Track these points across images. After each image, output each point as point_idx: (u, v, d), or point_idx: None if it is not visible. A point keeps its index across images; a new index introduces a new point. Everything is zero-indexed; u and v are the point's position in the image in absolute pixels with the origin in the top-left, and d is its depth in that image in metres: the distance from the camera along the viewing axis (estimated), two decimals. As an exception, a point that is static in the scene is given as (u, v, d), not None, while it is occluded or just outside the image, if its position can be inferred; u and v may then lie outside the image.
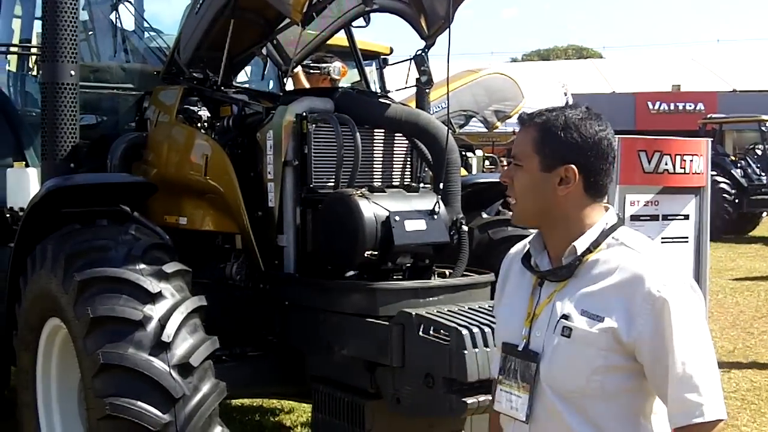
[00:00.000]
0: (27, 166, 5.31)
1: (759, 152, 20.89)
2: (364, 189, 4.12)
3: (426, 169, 4.60)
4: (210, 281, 4.65)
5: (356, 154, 4.24)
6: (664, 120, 30.00)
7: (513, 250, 2.53)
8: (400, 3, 4.71)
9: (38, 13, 5.58)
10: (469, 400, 3.50)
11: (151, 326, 3.65)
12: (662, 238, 4.32)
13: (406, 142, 4.57)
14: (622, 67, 39.69)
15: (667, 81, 34.21)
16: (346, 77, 6.60)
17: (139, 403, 3.54)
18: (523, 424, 2.27)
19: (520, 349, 2.29)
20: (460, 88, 12.84)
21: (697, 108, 30.29)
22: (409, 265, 4.16)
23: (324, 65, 6.17)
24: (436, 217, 4.13)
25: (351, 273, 4.13)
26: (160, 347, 3.62)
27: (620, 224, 2.31)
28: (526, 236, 2.52)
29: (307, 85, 6.14)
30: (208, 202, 4.66)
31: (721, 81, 33.55)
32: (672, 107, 31.70)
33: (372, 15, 5.00)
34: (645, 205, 4.31)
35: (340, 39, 5.58)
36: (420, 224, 4.08)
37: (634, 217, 4.24)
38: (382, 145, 4.52)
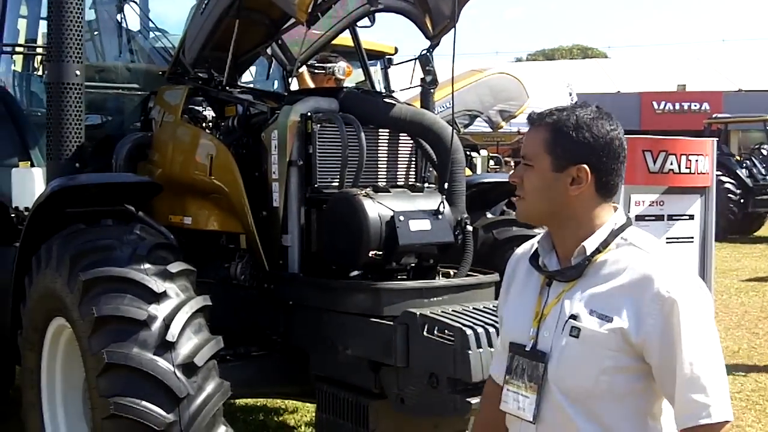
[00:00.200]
0: (32, 165, 5.32)
1: (764, 152, 20.84)
2: (368, 189, 4.12)
3: (430, 168, 4.60)
4: (214, 281, 4.66)
5: (361, 153, 4.24)
6: (669, 120, 29.96)
7: (519, 250, 2.53)
8: (404, 3, 4.71)
9: (44, 13, 5.59)
10: (474, 400, 3.50)
11: (156, 326, 3.66)
12: (667, 238, 4.32)
13: (411, 141, 4.57)
14: (627, 66, 39.65)
15: (672, 81, 34.16)
16: (351, 77, 6.61)
17: (144, 403, 3.54)
18: (530, 424, 2.27)
19: (527, 349, 2.29)
20: (465, 87, 12.85)
21: (703, 108, 30.25)
22: (413, 265, 4.16)
23: (329, 65, 6.18)
24: (440, 217, 4.13)
25: (355, 273, 4.13)
26: (165, 347, 3.63)
27: (629, 224, 2.30)
28: (531, 236, 2.52)
29: (311, 85, 6.15)
30: (213, 201, 4.67)
31: (727, 81, 33.50)
32: (677, 107, 31.66)
33: (377, 15, 5.00)
34: (650, 205, 4.31)
35: (344, 39, 5.59)
36: (424, 224, 4.08)
37: (639, 217, 4.24)
38: (386, 144, 4.52)
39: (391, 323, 3.79)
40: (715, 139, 4.84)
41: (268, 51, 5.50)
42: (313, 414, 4.84)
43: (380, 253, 3.96)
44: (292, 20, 4.87)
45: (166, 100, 5.07)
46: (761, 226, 21.06)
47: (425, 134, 4.38)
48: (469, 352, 3.45)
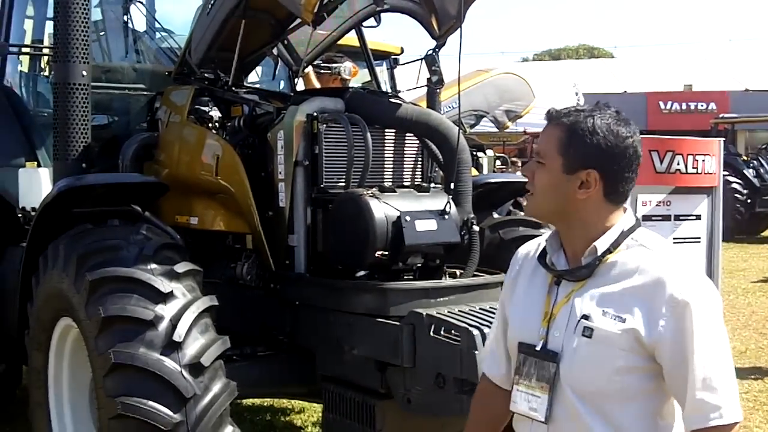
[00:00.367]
0: (39, 166, 5.33)
1: (771, 152, 20.81)
2: (374, 189, 4.12)
3: (437, 169, 4.60)
4: (221, 281, 4.67)
5: (367, 154, 4.23)
6: (675, 120, 29.91)
7: (522, 249, 2.52)
8: (411, 3, 4.71)
9: (50, 13, 5.61)
10: (480, 401, 3.49)
11: (163, 326, 3.66)
12: (674, 239, 4.31)
13: (417, 142, 4.56)
14: (634, 66, 39.57)
15: (678, 80, 34.08)
16: (357, 77, 6.61)
17: (151, 403, 3.54)
18: (541, 424, 2.26)
19: (538, 349, 2.27)
20: (471, 87, 12.83)
21: (709, 107, 30.18)
22: (419, 265, 4.15)
23: (335, 65, 6.18)
24: (446, 217, 4.13)
25: (362, 273, 4.13)
26: (172, 347, 3.63)
27: (638, 226, 2.30)
28: (537, 236, 2.51)
29: (317, 85, 6.14)
30: (219, 202, 4.67)
31: (733, 80, 33.41)
32: (684, 107, 31.59)
33: (383, 15, 5.00)
34: (657, 205, 4.30)
35: (350, 39, 5.59)
36: (431, 224, 4.07)
37: (646, 217, 4.23)
38: (392, 145, 4.52)
39: (398, 323, 3.78)
40: (722, 139, 4.83)
41: (274, 51, 5.50)
42: (320, 414, 4.84)
43: (386, 253, 3.96)
44: (298, 20, 4.88)
45: (172, 101, 5.08)
46: (768, 226, 21.02)
47: (431, 134, 4.38)
48: (476, 352, 3.44)
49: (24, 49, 6.07)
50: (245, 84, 5.52)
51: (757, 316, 10.48)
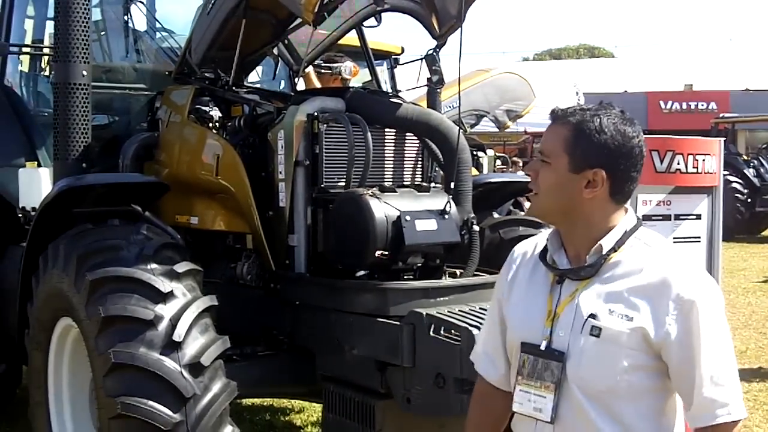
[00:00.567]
0: (39, 166, 5.33)
1: (772, 152, 20.81)
2: (375, 189, 4.12)
3: (437, 168, 4.60)
4: (221, 281, 4.67)
5: (367, 153, 4.23)
6: (676, 119, 29.91)
7: (519, 249, 2.51)
8: (411, 2, 4.71)
9: (51, 13, 5.61)
10: (480, 401, 3.49)
11: (163, 326, 3.66)
12: (674, 238, 4.30)
13: (417, 141, 4.56)
14: (634, 66, 39.56)
15: (679, 80, 34.09)
16: (358, 77, 6.61)
17: (150, 403, 3.54)
18: (547, 424, 2.25)
19: (542, 348, 2.27)
20: (472, 87, 12.84)
21: (710, 107, 30.20)
22: (419, 264, 4.16)
23: (335, 65, 6.18)
24: (447, 216, 4.13)
25: (362, 273, 4.13)
26: (171, 347, 3.63)
27: (639, 225, 2.31)
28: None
29: (318, 85, 6.14)
30: (219, 201, 4.67)
31: (734, 80, 33.39)
32: (684, 106, 31.61)
33: (383, 15, 5.00)
34: (657, 204, 4.28)
35: (351, 39, 5.59)
36: (431, 224, 4.07)
37: (646, 217, 4.21)
38: (393, 144, 4.52)
39: (398, 323, 3.78)
40: (723, 138, 4.82)
41: (275, 51, 5.50)
42: (320, 414, 4.84)
43: (387, 253, 3.96)
44: (299, 20, 4.88)
45: (172, 100, 5.08)
46: (769, 226, 21.01)
47: (432, 134, 4.38)
48: (475, 352, 3.44)
49: (24, 49, 6.07)
50: (246, 84, 5.52)
51: (758, 315, 10.48)
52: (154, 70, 5.83)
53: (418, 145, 4.58)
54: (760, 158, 20.72)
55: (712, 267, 4.48)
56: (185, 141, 4.88)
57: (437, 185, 4.53)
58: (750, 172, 20.04)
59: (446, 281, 4.18)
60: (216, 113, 4.87)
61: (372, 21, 5.13)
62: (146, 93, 5.60)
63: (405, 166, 4.58)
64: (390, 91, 7.35)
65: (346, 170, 4.28)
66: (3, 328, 5.26)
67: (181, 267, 3.92)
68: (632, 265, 2.21)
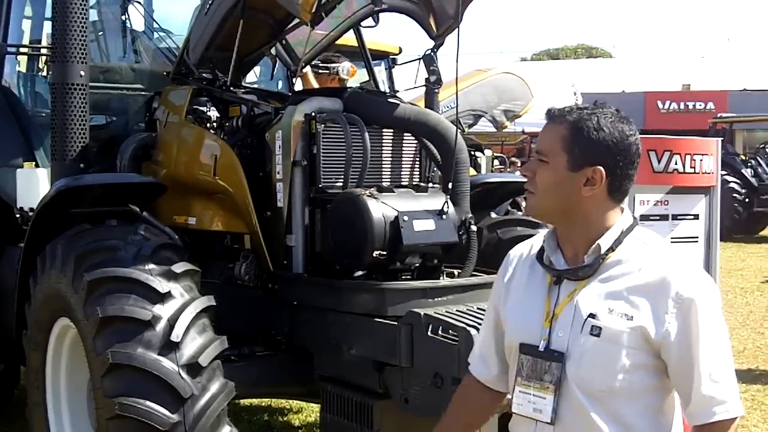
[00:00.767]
0: (37, 166, 5.33)
1: (769, 151, 20.82)
2: (372, 189, 4.11)
3: (435, 168, 4.60)
4: (219, 281, 4.67)
5: (365, 154, 4.23)
6: (674, 119, 29.92)
7: (515, 251, 2.52)
8: (409, 3, 4.70)
9: (48, 13, 5.60)
10: (478, 401, 3.49)
11: (160, 326, 3.66)
12: (672, 238, 4.30)
13: (415, 141, 4.57)
14: (632, 66, 39.58)
15: (677, 80, 34.11)
16: (355, 77, 6.60)
17: (148, 403, 3.54)
18: (547, 425, 2.25)
19: (541, 349, 2.27)
20: (470, 87, 12.82)
21: (708, 107, 30.20)
22: (417, 265, 4.15)
23: (333, 65, 6.17)
24: (444, 216, 4.13)
25: (360, 273, 4.13)
26: (169, 347, 3.63)
27: (636, 224, 2.31)
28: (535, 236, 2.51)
29: (316, 85, 6.14)
30: (217, 202, 4.67)
31: (732, 80, 33.42)
32: (682, 106, 31.62)
33: (381, 15, 5.00)
34: (655, 204, 4.28)
35: (349, 39, 5.58)
36: (429, 224, 4.07)
37: (644, 217, 4.21)
38: (390, 144, 4.52)
39: (396, 323, 3.79)
40: (720, 138, 4.82)
41: (273, 51, 5.50)
42: (318, 414, 4.84)
43: (384, 253, 3.96)
44: (296, 20, 4.88)
45: (170, 101, 5.08)
46: (766, 226, 21.02)
47: (429, 134, 4.38)
48: (473, 352, 3.44)
49: (22, 49, 6.07)
50: (243, 84, 5.52)
51: (755, 315, 10.49)
52: (152, 70, 5.83)
53: (415, 145, 4.58)
54: (758, 158, 20.72)
55: (710, 267, 4.48)
56: (183, 141, 4.88)
57: (435, 185, 4.53)
58: (748, 172, 20.05)
59: (444, 281, 4.18)
60: (214, 113, 4.87)
61: (370, 21, 5.12)
62: (144, 93, 5.60)
63: (403, 166, 4.58)
64: (388, 91, 7.35)
65: (344, 170, 4.28)
66: (1, 328, 5.26)
67: (179, 267, 3.92)
68: (630, 264, 2.22)
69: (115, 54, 6.04)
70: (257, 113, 4.69)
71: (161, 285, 3.77)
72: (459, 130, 4.39)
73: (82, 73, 4.72)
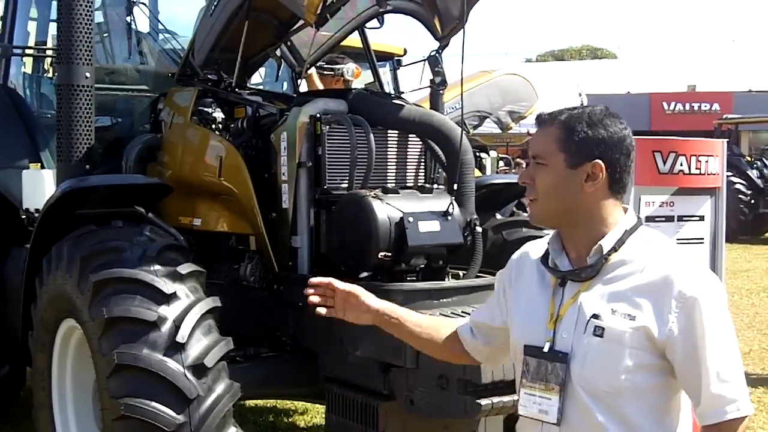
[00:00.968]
0: (42, 167, 5.34)
1: (775, 152, 20.79)
2: (377, 190, 4.12)
3: (440, 170, 4.59)
4: (224, 282, 4.67)
5: (370, 155, 4.23)
6: (679, 120, 29.85)
7: (516, 255, 2.53)
8: (413, 4, 4.71)
9: (53, 15, 5.62)
10: (484, 402, 3.50)
11: (166, 327, 3.67)
12: (677, 240, 4.29)
13: (420, 143, 4.56)
14: (637, 67, 39.57)
15: (682, 81, 34.08)
16: (360, 78, 6.60)
17: (154, 404, 3.55)
18: (553, 426, 2.25)
19: (545, 350, 2.27)
20: (474, 88, 12.81)
21: (713, 108, 30.14)
22: (422, 266, 4.15)
23: (338, 66, 6.18)
24: (449, 218, 4.13)
25: (365, 274, 4.13)
26: (175, 348, 3.64)
27: (640, 224, 2.31)
28: (540, 237, 2.51)
29: (320, 87, 6.15)
30: (222, 203, 4.67)
31: (737, 81, 33.36)
32: (687, 107, 31.55)
33: (386, 16, 5.00)
34: (660, 205, 4.28)
35: (353, 40, 5.59)
36: (434, 225, 4.07)
37: (649, 218, 4.21)
38: (395, 146, 4.52)
39: (401, 324, 3.78)
40: (726, 139, 4.82)
41: (277, 52, 5.51)
42: (323, 415, 4.84)
43: (389, 254, 3.96)
44: (301, 22, 4.88)
45: (175, 102, 5.09)
46: (772, 227, 20.97)
47: (434, 135, 4.38)
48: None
49: (27, 51, 6.09)
50: (248, 85, 5.52)
51: (761, 317, 10.46)
52: (157, 71, 5.85)
53: (420, 146, 4.58)
54: (764, 159, 20.69)
55: (716, 268, 4.48)
56: (188, 142, 4.89)
57: (440, 186, 4.53)
58: (753, 173, 20.02)
59: (449, 282, 4.18)
60: (219, 115, 4.87)
61: (374, 22, 5.13)
62: (149, 95, 5.61)
63: (408, 167, 4.58)
64: (392, 92, 7.35)
65: (349, 171, 4.28)
66: (7, 329, 5.27)
67: (185, 268, 3.92)
68: (634, 264, 2.22)
69: (120, 55, 6.05)
70: (262, 114, 4.69)
71: (167, 286, 3.78)
72: (464, 131, 4.38)
73: (88, 74, 4.73)
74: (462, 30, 4.41)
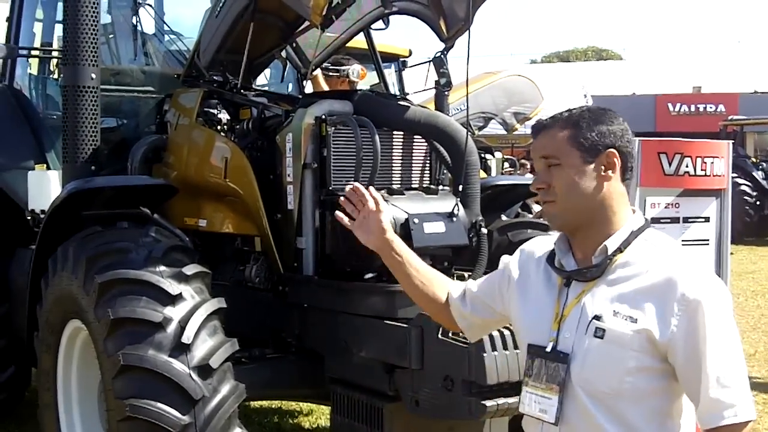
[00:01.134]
0: (48, 168, 5.35)
1: (780, 154, 20.76)
2: (383, 191, 4.11)
3: (445, 171, 4.59)
4: (229, 283, 4.68)
5: (375, 156, 4.23)
6: (684, 122, 29.81)
7: (526, 248, 2.52)
8: (419, 5, 4.71)
9: (59, 16, 5.63)
10: (489, 403, 3.49)
11: (171, 328, 3.67)
12: (683, 241, 4.29)
13: (425, 144, 4.56)
14: (643, 68, 39.48)
15: (687, 82, 34.00)
16: (365, 80, 6.61)
17: (159, 405, 3.55)
18: (552, 426, 2.25)
19: (548, 350, 2.27)
20: (480, 89, 12.80)
21: (718, 109, 30.08)
22: (428, 267, 4.14)
23: (343, 68, 6.18)
24: (455, 219, 4.13)
25: (370, 275, 4.13)
26: (180, 349, 3.64)
27: (647, 226, 2.31)
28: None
29: (326, 88, 6.15)
30: (228, 204, 4.68)
31: (743, 82, 33.30)
32: (693, 109, 31.51)
33: (391, 17, 5.00)
34: (665, 207, 4.27)
35: (359, 41, 5.59)
36: (439, 226, 4.07)
37: (655, 220, 4.20)
38: (401, 147, 4.52)
39: (406, 325, 3.78)
40: (731, 141, 4.81)
41: (283, 54, 5.51)
42: (328, 416, 4.84)
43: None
44: (307, 23, 4.88)
45: (181, 103, 5.10)
46: (778, 229, 20.93)
47: (439, 136, 4.38)
48: (484, 354, 3.45)
49: (33, 52, 6.10)
50: (254, 86, 5.53)
51: (767, 318, 10.45)
52: (163, 72, 5.85)
53: (426, 147, 4.58)
54: (769, 161, 20.66)
55: (721, 270, 4.47)
56: (194, 144, 4.90)
57: (445, 188, 4.53)
58: (759, 175, 20.00)
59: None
60: (224, 116, 4.88)
61: (380, 23, 5.13)
62: (155, 96, 5.61)
63: (413, 168, 4.58)
64: (398, 93, 7.35)
65: (354, 173, 4.28)
66: (12, 330, 5.28)
67: (190, 269, 3.93)
68: (638, 266, 2.21)
69: (125, 56, 6.06)
70: (268, 116, 4.70)
71: (172, 287, 3.78)
72: (469, 133, 4.38)
73: (93, 75, 4.74)
74: (467, 31, 4.41)
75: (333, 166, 4.29)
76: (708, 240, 4.44)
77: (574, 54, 62.32)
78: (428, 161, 4.62)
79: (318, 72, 5.97)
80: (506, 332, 3.50)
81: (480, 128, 13.99)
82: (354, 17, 5.05)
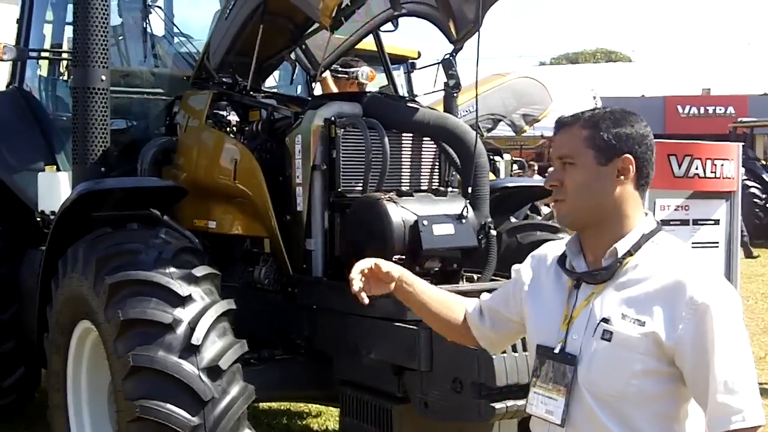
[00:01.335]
0: (58, 170, 5.37)
1: (790, 156, 20.67)
2: (392, 193, 4.12)
3: (454, 173, 4.59)
4: (239, 285, 4.68)
5: (384, 158, 4.24)
6: (694, 124, 29.73)
7: (537, 253, 2.52)
8: (428, 7, 4.71)
9: (69, 18, 5.64)
10: (498, 405, 3.49)
11: (181, 329, 3.68)
12: (692, 243, 4.29)
13: (434, 146, 4.56)
14: (652, 70, 39.44)
15: (697, 84, 33.92)
16: (374, 81, 6.61)
17: (169, 406, 3.56)
18: (558, 427, 2.25)
19: (556, 351, 2.27)
20: (488, 91, 12.82)
21: (728, 111, 29.98)
22: (437, 269, 4.15)
23: (352, 70, 6.19)
24: (464, 221, 4.12)
25: (379, 277, 4.13)
26: (190, 350, 3.65)
27: (659, 229, 2.30)
28: (556, 240, 2.51)
29: (335, 90, 6.16)
30: (237, 206, 4.68)
31: (752, 84, 33.19)
32: (702, 111, 31.41)
33: (400, 19, 5.00)
34: (675, 209, 4.28)
35: (368, 43, 5.59)
36: (448, 228, 4.07)
37: (665, 222, 4.20)
38: (410, 149, 4.52)
39: (415, 327, 3.78)
40: (741, 143, 4.80)
41: (292, 56, 5.51)
42: (337, 418, 4.85)
43: (404, 257, 3.96)
44: (316, 25, 4.89)
45: (190, 105, 5.11)
46: (788, 231, 20.82)
47: (448, 138, 4.38)
48: (493, 356, 3.44)
49: (43, 54, 6.11)
50: (263, 88, 5.53)
51: (776, 321, 10.41)
52: (172, 74, 5.86)
53: (435, 149, 4.58)
54: (779, 162, 20.57)
55: (731, 272, 4.47)
56: (203, 145, 4.91)
57: (454, 190, 4.53)
58: (768, 177, 19.89)
59: (464, 286, 4.17)
60: (234, 118, 4.88)
61: (389, 25, 5.13)
62: (164, 97, 5.63)
63: (422, 170, 4.58)
64: (407, 95, 7.35)
65: (364, 175, 4.28)
66: (22, 331, 5.29)
67: (200, 271, 3.93)
68: (647, 270, 2.20)
69: (135, 58, 6.07)
70: (277, 118, 4.70)
71: (182, 288, 3.79)
72: (478, 134, 4.38)
73: (103, 77, 4.75)
74: (477, 33, 4.41)
75: (342, 168, 4.30)
76: (718, 243, 4.44)
77: (583, 56, 62.22)
78: (437, 163, 4.62)
79: (327, 74, 5.97)
80: (515, 334, 3.49)
81: (489, 130, 14.00)
82: (363, 19, 5.05)
